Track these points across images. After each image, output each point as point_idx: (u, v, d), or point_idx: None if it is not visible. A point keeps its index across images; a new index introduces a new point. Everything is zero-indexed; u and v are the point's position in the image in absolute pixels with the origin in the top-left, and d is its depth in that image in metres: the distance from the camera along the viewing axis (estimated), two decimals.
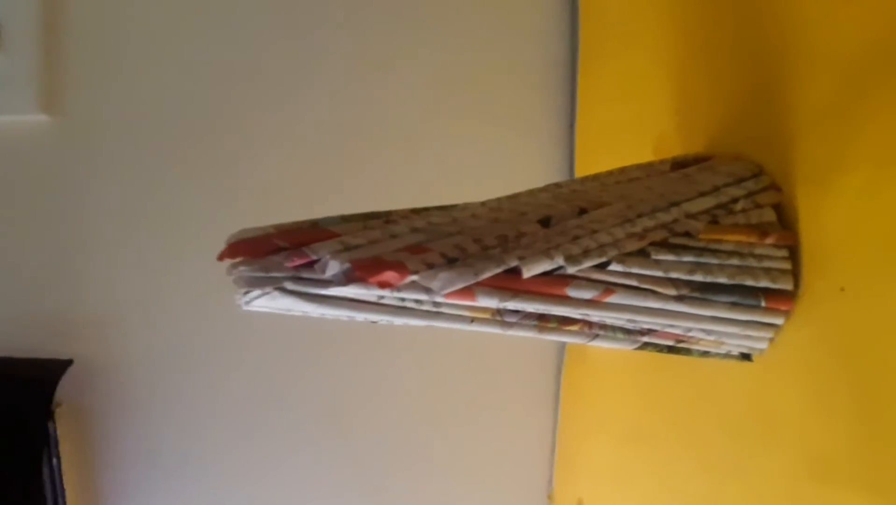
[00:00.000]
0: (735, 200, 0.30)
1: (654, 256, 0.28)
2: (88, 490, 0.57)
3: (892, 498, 0.25)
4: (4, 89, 0.57)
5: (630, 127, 0.44)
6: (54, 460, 0.53)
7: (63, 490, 0.54)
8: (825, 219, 0.29)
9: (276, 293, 0.28)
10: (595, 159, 0.51)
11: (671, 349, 0.32)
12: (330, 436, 0.59)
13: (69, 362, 0.55)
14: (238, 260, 0.29)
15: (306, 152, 0.60)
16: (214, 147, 0.59)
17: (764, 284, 0.29)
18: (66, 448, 0.54)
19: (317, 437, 0.59)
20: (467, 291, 0.28)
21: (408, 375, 0.60)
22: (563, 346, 0.59)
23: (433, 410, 0.60)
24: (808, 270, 0.29)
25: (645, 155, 0.40)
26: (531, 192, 0.32)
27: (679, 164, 0.35)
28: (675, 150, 0.38)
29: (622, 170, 0.34)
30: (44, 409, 0.53)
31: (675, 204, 0.29)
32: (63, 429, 0.54)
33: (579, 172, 0.54)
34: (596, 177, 0.33)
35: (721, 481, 0.35)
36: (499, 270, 0.27)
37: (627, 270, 0.28)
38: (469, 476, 0.60)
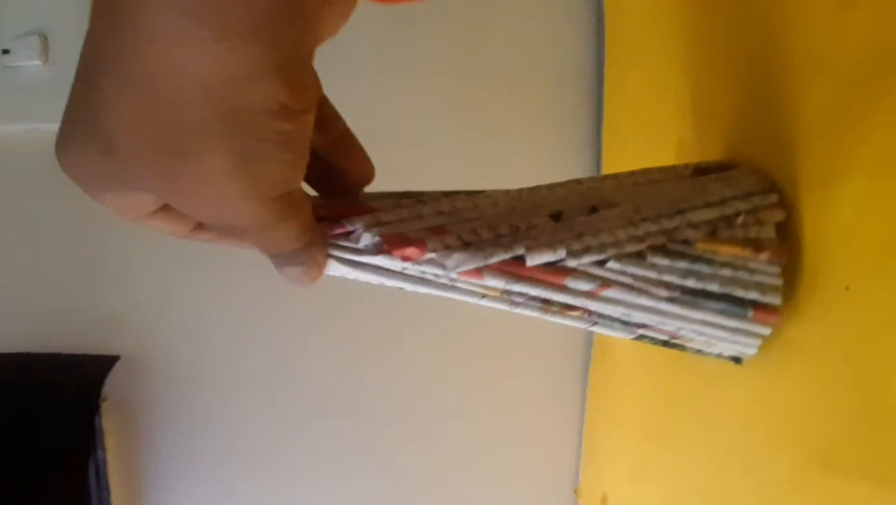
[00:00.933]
0: (738, 214, 0.31)
1: (650, 259, 0.31)
2: (132, 482, 0.61)
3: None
4: (53, 98, 0.60)
5: (653, 132, 0.45)
6: (100, 453, 0.56)
7: (108, 482, 0.57)
8: (830, 221, 0.30)
9: None
10: (621, 164, 0.52)
11: (666, 343, 0.35)
12: (356, 432, 0.62)
13: (116, 358, 0.58)
14: None
15: None
16: None
17: (753, 296, 0.31)
18: (111, 441, 0.58)
19: (345, 433, 0.62)
20: (477, 272, 0.32)
21: (435, 371, 0.62)
22: (590, 342, 0.61)
23: (461, 406, 0.62)
24: (814, 270, 0.31)
25: (667, 159, 0.41)
26: (551, 186, 0.35)
27: (701, 171, 0.36)
28: (693, 155, 0.39)
29: (644, 171, 0.36)
30: (91, 404, 0.55)
31: (681, 212, 0.32)
32: (108, 422, 0.58)
33: (606, 172, 0.55)
34: (616, 176, 0.36)
35: (734, 475, 0.37)
36: (506, 257, 0.31)
37: (623, 268, 0.31)
38: (497, 470, 0.63)
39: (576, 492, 0.62)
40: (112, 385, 0.57)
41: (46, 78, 0.60)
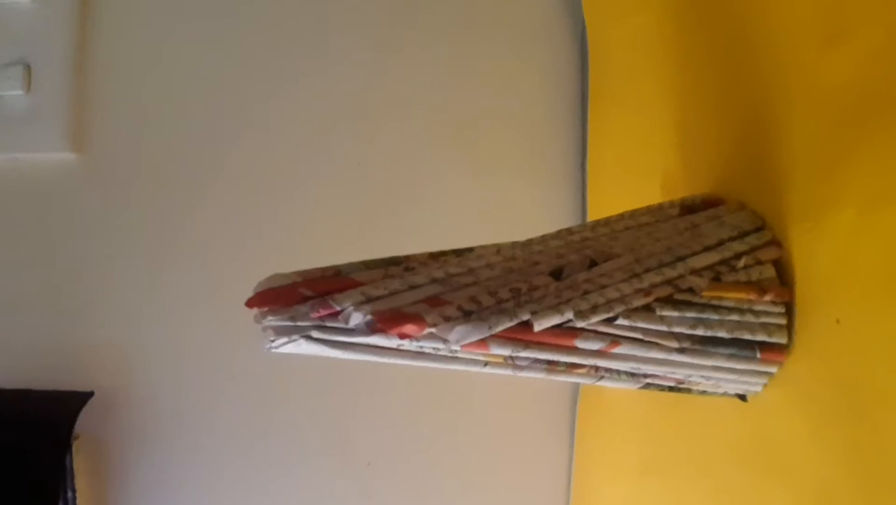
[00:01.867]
0: (738, 256, 0.31)
1: (658, 312, 0.30)
2: None
3: None
4: (33, 127, 0.59)
5: (638, 166, 0.45)
6: (69, 493, 0.54)
7: None
8: (819, 254, 0.30)
9: (303, 341, 0.30)
10: (606, 198, 0.52)
11: (672, 389, 0.34)
12: (343, 471, 0.60)
13: (89, 395, 0.55)
14: (265, 309, 0.30)
15: (319, 192, 0.61)
16: (239, 186, 0.60)
17: (760, 337, 0.30)
18: (81, 480, 0.55)
19: (332, 472, 0.61)
20: (482, 343, 0.30)
21: (424, 413, 0.61)
22: (577, 384, 0.61)
23: (447, 445, 0.61)
24: (804, 305, 0.31)
25: (653, 193, 0.41)
26: (543, 239, 0.34)
27: (688, 208, 0.36)
28: (680, 189, 0.39)
29: (632, 214, 0.35)
30: (62, 442, 0.53)
31: (681, 259, 0.31)
32: (80, 461, 0.55)
33: (591, 211, 0.55)
34: (607, 222, 0.35)
35: None
36: (512, 324, 0.29)
37: (633, 324, 0.30)
38: None
39: None
40: (84, 422, 0.55)
41: (28, 108, 0.59)
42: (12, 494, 0.52)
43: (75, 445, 0.55)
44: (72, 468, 0.54)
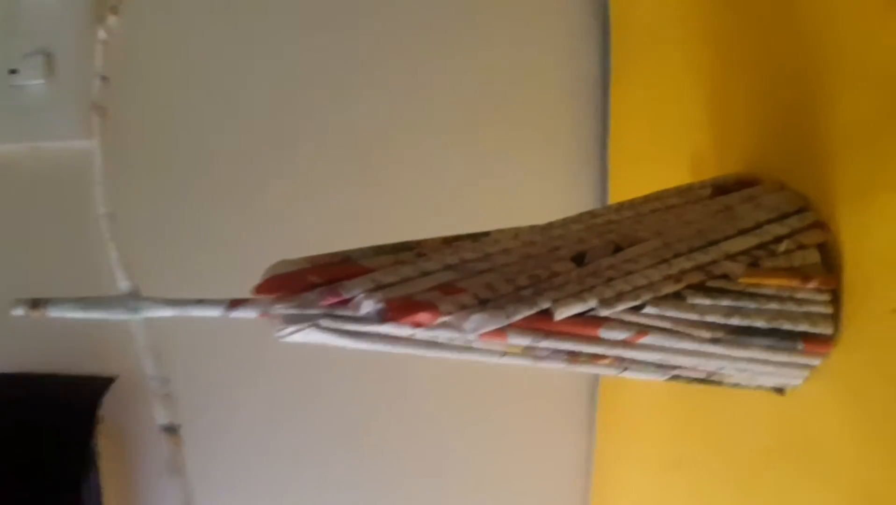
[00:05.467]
0: (778, 240, 0.29)
1: (689, 301, 0.28)
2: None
3: None
4: (55, 116, 0.58)
5: (665, 145, 0.43)
6: (93, 475, 0.54)
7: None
8: (870, 238, 0.28)
9: (312, 330, 0.29)
10: (629, 180, 0.50)
11: (702, 381, 0.32)
12: (358, 459, 0.60)
13: (112, 380, 0.56)
14: (273, 296, 0.29)
15: (331, 175, 0.60)
16: (254, 171, 0.60)
17: (803, 328, 0.28)
18: (105, 464, 0.55)
19: (347, 458, 0.60)
20: (499, 332, 0.28)
21: (438, 402, 0.60)
22: (597, 374, 0.59)
23: (468, 437, 0.61)
24: (854, 293, 0.29)
25: (681, 174, 0.38)
26: (564, 223, 0.32)
27: (720, 189, 0.33)
28: (711, 169, 0.36)
29: (659, 195, 0.33)
30: (87, 426, 0.54)
31: (714, 243, 0.29)
32: (103, 445, 0.55)
33: (613, 193, 0.52)
34: (632, 204, 0.33)
35: None
36: (531, 312, 0.27)
37: (662, 313, 0.28)
38: (503, 503, 0.61)
39: None
40: (108, 407, 0.55)
41: (50, 97, 0.59)
42: (38, 476, 0.53)
43: (99, 429, 0.55)
44: (96, 452, 0.55)
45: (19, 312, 0.31)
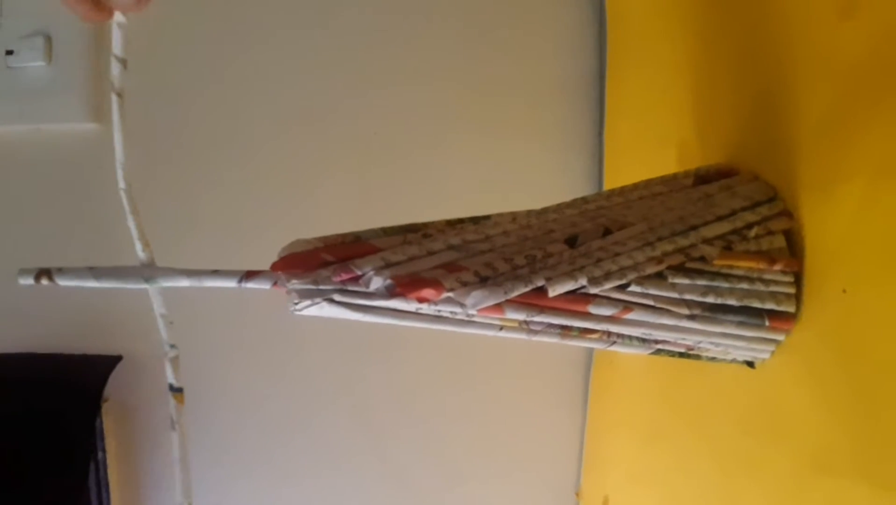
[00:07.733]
0: (749, 226, 0.32)
1: (670, 280, 0.30)
2: (133, 483, 0.60)
3: (893, 489, 0.27)
4: (55, 98, 0.59)
5: (654, 136, 0.45)
6: (100, 454, 0.56)
7: (108, 483, 0.56)
8: (829, 223, 0.30)
9: (325, 304, 0.31)
10: (622, 168, 0.53)
11: (682, 355, 0.35)
12: (358, 436, 0.62)
13: (118, 358, 0.57)
14: (289, 273, 0.31)
15: (339, 161, 0.62)
16: (260, 154, 0.61)
17: (769, 306, 0.31)
18: (111, 442, 0.57)
19: (345, 432, 0.62)
20: (497, 307, 0.31)
21: (437, 376, 0.62)
22: (591, 351, 0.62)
23: (460, 408, 0.63)
24: (813, 275, 0.32)
25: (669, 163, 0.41)
26: (559, 208, 0.34)
27: (702, 178, 0.36)
28: (695, 159, 0.39)
29: (646, 183, 0.36)
30: (93, 404, 0.55)
31: (694, 228, 0.32)
32: (109, 423, 0.57)
33: (608, 181, 0.55)
34: (621, 191, 0.35)
35: (734, 477, 0.38)
36: (526, 290, 0.30)
37: (645, 291, 0.30)
38: (498, 471, 0.63)
39: (577, 494, 0.63)
40: (113, 386, 0.57)
41: (49, 79, 0.59)
42: (44, 455, 0.54)
43: (105, 408, 0.57)
44: (102, 430, 0.56)
45: (27, 281, 0.30)
